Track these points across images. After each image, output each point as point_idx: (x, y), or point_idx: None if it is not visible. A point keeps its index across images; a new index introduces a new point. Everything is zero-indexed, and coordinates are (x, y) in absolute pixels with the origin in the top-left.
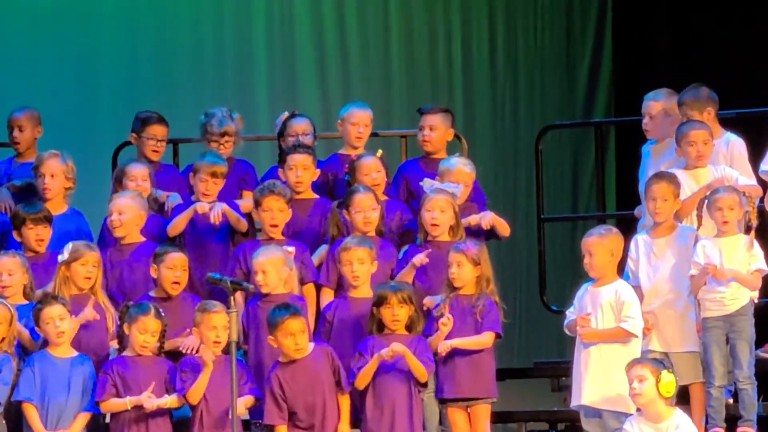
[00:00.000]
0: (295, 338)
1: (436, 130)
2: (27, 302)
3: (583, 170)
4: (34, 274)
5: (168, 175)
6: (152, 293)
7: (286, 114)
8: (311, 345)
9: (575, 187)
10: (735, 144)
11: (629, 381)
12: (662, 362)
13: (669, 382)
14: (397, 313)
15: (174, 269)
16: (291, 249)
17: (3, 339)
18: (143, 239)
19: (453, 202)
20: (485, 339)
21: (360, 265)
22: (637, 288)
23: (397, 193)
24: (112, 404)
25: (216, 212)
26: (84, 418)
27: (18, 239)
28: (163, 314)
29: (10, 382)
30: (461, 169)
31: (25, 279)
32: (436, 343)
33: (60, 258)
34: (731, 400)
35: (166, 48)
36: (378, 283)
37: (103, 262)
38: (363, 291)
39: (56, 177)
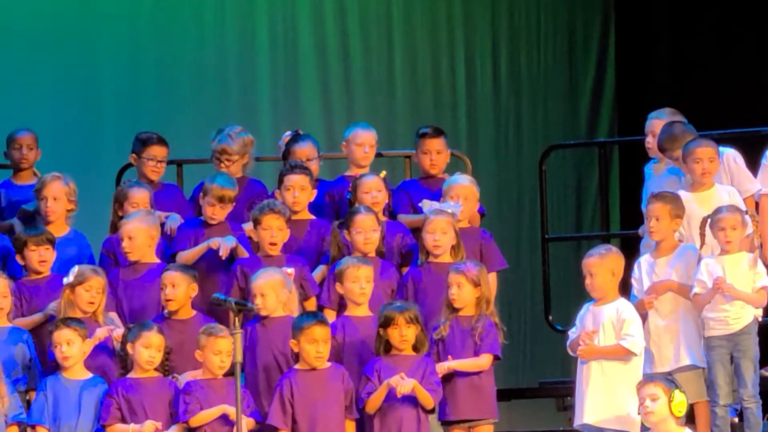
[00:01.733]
0: (317, 346)
1: (443, 153)
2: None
3: (587, 190)
4: (36, 297)
5: (169, 195)
6: (165, 313)
7: (288, 134)
8: (328, 363)
9: (579, 207)
10: (729, 157)
11: (640, 399)
12: (674, 381)
13: (681, 402)
14: (404, 334)
15: (165, 287)
16: (290, 271)
17: None
18: (157, 261)
19: (453, 223)
20: (483, 361)
21: (367, 283)
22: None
23: (405, 210)
24: (117, 430)
25: (225, 249)
26: None
27: (21, 262)
28: (164, 333)
29: None
30: (462, 185)
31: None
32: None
33: (65, 281)
34: (736, 419)
35: (168, 69)
36: (380, 304)
37: (114, 283)
38: (363, 309)
39: (59, 200)
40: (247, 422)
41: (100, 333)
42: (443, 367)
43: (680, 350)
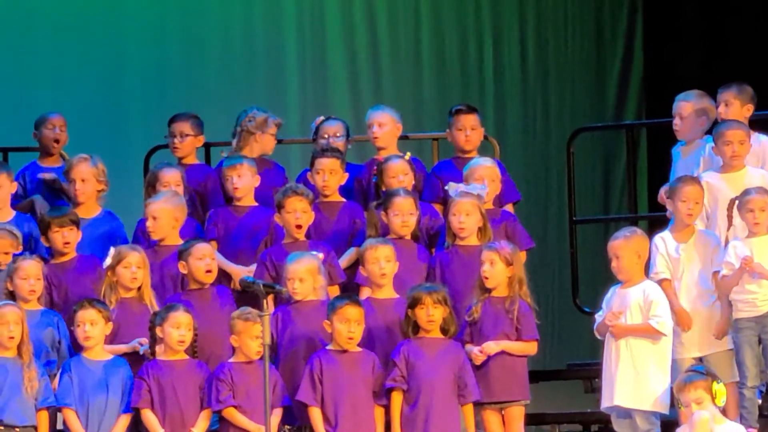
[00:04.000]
0: (349, 325)
1: (477, 130)
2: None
3: (615, 172)
4: (64, 279)
5: (200, 173)
6: (185, 290)
7: (321, 118)
8: (359, 348)
9: (607, 189)
10: (765, 143)
11: (684, 404)
12: (705, 373)
13: (722, 392)
14: (431, 314)
15: (203, 259)
16: (321, 255)
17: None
18: (180, 242)
19: (479, 205)
20: (530, 347)
21: (387, 263)
22: (667, 281)
23: (433, 194)
24: (148, 420)
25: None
26: (125, 420)
27: (46, 244)
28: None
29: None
30: (484, 166)
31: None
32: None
33: (104, 264)
34: (759, 401)
35: (196, 52)
36: (405, 286)
37: None
38: (387, 291)
39: (87, 181)
40: (279, 413)
41: (127, 348)
42: (491, 348)
43: (709, 334)
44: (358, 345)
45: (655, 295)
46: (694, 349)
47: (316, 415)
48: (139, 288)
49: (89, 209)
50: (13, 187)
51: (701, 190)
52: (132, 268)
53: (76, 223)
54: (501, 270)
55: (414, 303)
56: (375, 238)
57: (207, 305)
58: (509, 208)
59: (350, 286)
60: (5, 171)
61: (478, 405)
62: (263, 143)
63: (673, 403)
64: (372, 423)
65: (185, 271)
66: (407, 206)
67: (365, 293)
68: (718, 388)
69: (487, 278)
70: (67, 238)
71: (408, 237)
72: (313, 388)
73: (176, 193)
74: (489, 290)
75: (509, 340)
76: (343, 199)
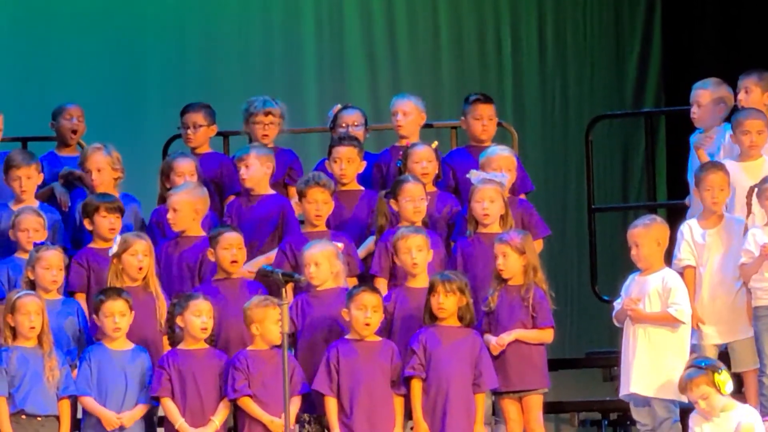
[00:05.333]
0: (365, 311)
1: (493, 120)
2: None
3: (634, 160)
4: (104, 266)
5: (214, 162)
6: (213, 278)
7: (338, 106)
8: (378, 338)
9: (625, 177)
10: None
11: (692, 400)
12: (704, 368)
13: (725, 380)
14: (441, 302)
15: (229, 249)
16: (340, 245)
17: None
18: (202, 234)
19: (501, 192)
20: (546, 335)
21: (419, 252)
22: (690, 270)
23: (445, 182)
24: (168, 409)
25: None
26: (141, 410)
27: (89, 227)
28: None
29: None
30: (502, 155)
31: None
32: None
33: (111, 252)
34: None
35: (214, 41)
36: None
37: (158, 255)
38: (421, 280)
39: (103, 171)
40: (297, 401)
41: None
42: (504, 340)
43: (732, 321)
44: (383, 334)
45: (674, 282)
46: (715, 336)
47: (331, 405)
48: (145, 276)
49: None
50: (40, 179)
51: (725, 176)
52: (138, 256)
53: (122, 212)
54: (515, 261)
55: (430, 289)
56: (406, 228)
57: (235, 295)
58: (522, 198)
59: (367, 276)
60: (34, 162)
61: (497, 394)
62: (254, 133)
63: None
64: (389, 413)
65: (213, 259)
66: (418, 192)
67: (380, 283)
68: (721, 378)
69: (502, 270)
70: (113, 225)
71: (419, 223)
72: (329, 377)
73: (199, 184)
74: (505, 280)
75: (525, 328)
76: (362, 188)
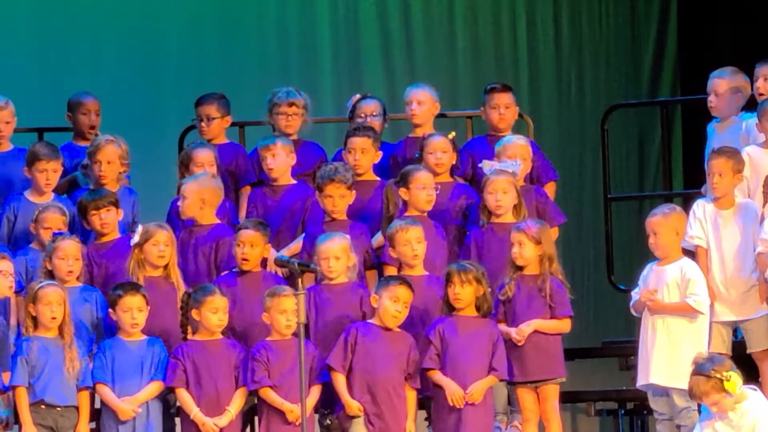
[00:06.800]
0: (398, 304)
1: (511, 108)
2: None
3: (650, 149)
4: (104, 260)
5: (230, 152)
6: (236, 269)
7: (357, 96)
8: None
9: (641, 166)
10: None
11: (707, 406)
12: (708, 375)
13: (734, 383)
14: (458, 292)
15: (241, 246)
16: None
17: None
18: (215, 222)
19: (514, 182)
20: (565, 325)
21: (418, 244)
22: (702, 249)
23: (464, 170)
24: (183, 399)
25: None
26: (155, 387)
27: (87, 227)
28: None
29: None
30: (515, 144)
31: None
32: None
33: (132, 241)
34: None
35: (231, 31)
36: (434, 264)
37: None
38: (418, 269)
39: (112, 163)
40: (316, 391)
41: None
42: (524, 331)
43: (745, 300)
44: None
45: (693, 273)
46: (728, 313)
47: (339, 380)
48: (166, 266)
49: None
50: (60, 171)
51: (726, 161)
52: (160, 246)
53: (114, 203)
54: (531, 249)
55: (446, 280)
56: (403, 219)
57: (257, 288)
58: (549, 187)
59: (378, 265)
60: (61, 157)
61: (513, 384)
62: (277, 123)
63: None
64: (401, 402)
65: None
66: (430, 180)
67: (390, 272)
68: (729, 383)
69: (517, 258)
70: (104, 220)
71: (429, 209)
72: (344, 355)
73: (213, 175)
74: (521, 268)
75: (542, 318)
76: (378, 179)
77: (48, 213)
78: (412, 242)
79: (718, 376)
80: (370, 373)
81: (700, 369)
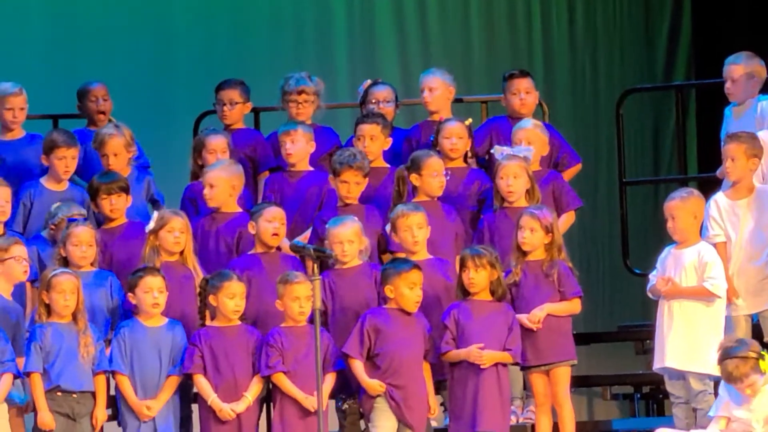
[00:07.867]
0: (415, 290)
1: (531, 93)
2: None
3: (665, 133)
4: (112, 245)
5: (249, 137)
6: (252, 251)
7: (368, 82)
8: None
9: (657, 151)
10: None
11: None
12: (745, 356)
13: (766, 362)
14: (472, 277)
15: (272, 221)
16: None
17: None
18: (238, 211)
19: (526, 167)
20: (575, 306)
21: (419, 230)
22: (722, 245)
23: (481, 144)
24: (200, 385)
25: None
26: (174, 381)
27: (95, 210)
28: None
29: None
30: (527, 128)
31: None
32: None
33: (148, 228)
34: None
35: (243, 17)
36: (444, 248)
37: (195, 231)
38: (421, 253)
39: (119, 155)
40: (331, 379)
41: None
42: (537, 317)
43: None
44: None
45: (710, 256)
46: (745, 308)
47: (357, 365)
48: (182, 252)
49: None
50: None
51: (739, 146)
52: (175, 233)
53: (125, 189)
54: (539, 237)
55: (460, 264)
56: (405, 205)
57: (275, 269)
58: (571, 171)
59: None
60: (79, 144)
61: (526, 369)
62: (288, 110)
63: None
64: (422, 380)
65: (254, 232)
66: (441, 166)
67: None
68: (764, 362)
69: (524, 242)
70: (114, 205)
71: (439, 194)
72: (360, 342)
73: (234, 161)
74: (526, 253)
75: (552, 302)
76: (388, 165)
77: (78, 229)
78: (413, 228)
79: (754, 355)
80: (394, 357)
81: (733, 352)
